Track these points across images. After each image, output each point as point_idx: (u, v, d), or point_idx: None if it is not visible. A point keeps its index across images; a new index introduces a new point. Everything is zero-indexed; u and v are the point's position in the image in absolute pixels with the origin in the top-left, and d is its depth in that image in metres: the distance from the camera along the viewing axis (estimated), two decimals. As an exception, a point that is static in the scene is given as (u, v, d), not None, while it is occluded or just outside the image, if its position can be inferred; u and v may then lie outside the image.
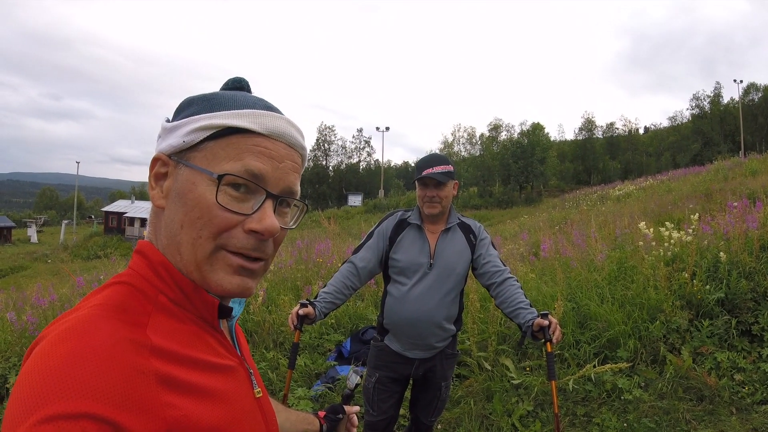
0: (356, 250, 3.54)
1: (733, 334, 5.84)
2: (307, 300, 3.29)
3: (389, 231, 3.48)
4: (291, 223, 1.04)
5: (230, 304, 1.04)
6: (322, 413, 1.64)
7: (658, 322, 5.89)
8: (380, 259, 3.47)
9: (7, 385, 5.57)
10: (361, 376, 1.96)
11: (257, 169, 0.93)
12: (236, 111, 0.95)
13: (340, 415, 1.65)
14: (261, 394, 1.05)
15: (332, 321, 6.92)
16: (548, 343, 3.03)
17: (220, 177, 0.91)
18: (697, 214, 8.45)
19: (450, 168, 3.38)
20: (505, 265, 3.44)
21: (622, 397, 5.16)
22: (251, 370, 1.06)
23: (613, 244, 8.78)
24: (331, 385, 5.57)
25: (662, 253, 7.14)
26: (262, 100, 1.01)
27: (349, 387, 1.93)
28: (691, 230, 7.72)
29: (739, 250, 6.73)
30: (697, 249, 6.85)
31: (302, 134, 1.03)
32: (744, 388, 5.28)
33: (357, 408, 1.74)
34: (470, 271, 3.53)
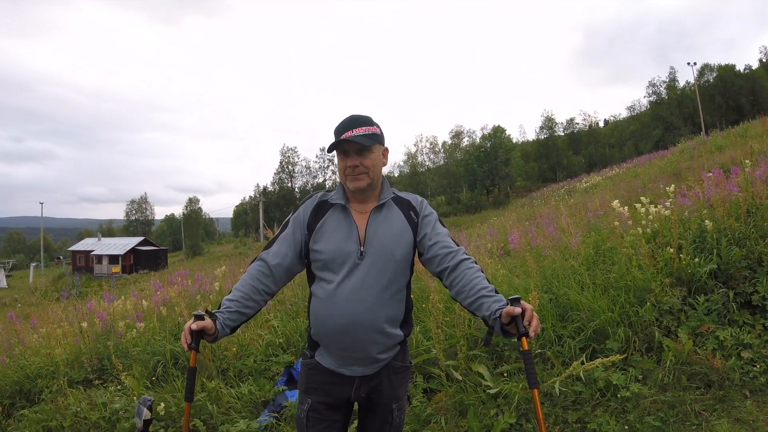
0: (268, 245, 2.79)
1: (732, 307, 5.25)
2: (205, 310, 2.54)
3: (307, 216, 2.75)
4: None
5: None
6: None
7: (648, 304, 5.24)
8: (299, 252, 2.74)
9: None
10: (150, 408, 1.24)
11: None
12: None
13: None
14: None
15: (281, 340, 6.27)
16: (524, 338, 2.32)
17: None
18: (672, 185, 7.91)
19: (376, 129, 2.68)
20: (458, 245, 2.71)
21: (619, 395, 4.48)
22: None
23: (586, 228, 8.21)
24: (277, 415, 4.91)
25: (641, 231, 6.55)
26: None
27: (137, 426, 1.22)
28: (668, 203, 7.14)
29: (724, 216, 6.22)
30: (679, 220, 6.28)
31: None
32: (755, 366, 4.69)
33: None
34: (416, 258, 2.81)
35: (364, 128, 2.63)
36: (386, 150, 2.79)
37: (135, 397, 5.37)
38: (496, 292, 2.50)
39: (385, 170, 2.89)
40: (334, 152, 2.73)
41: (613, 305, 5.31)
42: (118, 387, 5.77)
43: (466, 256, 2.64)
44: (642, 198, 7.52)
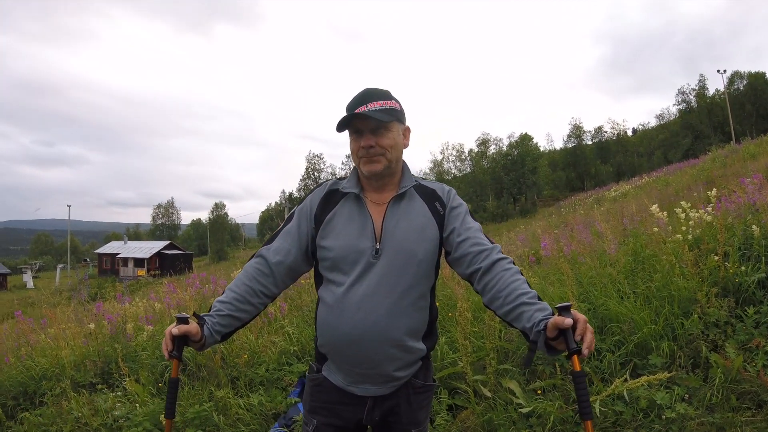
0: (269, 240, 2.41)
1: (782, 320, 4.77)
2: (194, 313, 2.18)
3: (315, 207, 2.36)
4: None
5: None
6: None
7: (694, 315, 4.79)
8: (304, 249, 2.35)
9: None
10: None
11: None
12: None
13: None
14: None
15: (296, 348, 5.89)
16: (575, 357, 1.85)
17: None
18: (714, 189, 7.48)
19: (394, 104, 2.29)
20: (492, 242, 2.28)
21: (663, 416, 4.02)
22: None
23: (622, 234, 7.80)
24: (287, 429, 4.56)
25: (682, 237, 6.10)
26: None
27: None
28: (709, 209, 6.72)
29: (771, 222, 5.76)
30: (724, 226, 5.81)
31: None
32: (810, 386, 4.19)
33: None
34: (442, 258, 2.40)
35: (380, 102, 2.23)
36: (407, 129, 2.39)
37: (138, 404, 5.07)
38: (539, 299, 2.06)
39: (412, 164, 2.49)
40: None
41: (656, 317, 4.86)
42: (121, 393, 5.48)
43: (502, 255, 2.21)
44: (682, 203, 7.07)
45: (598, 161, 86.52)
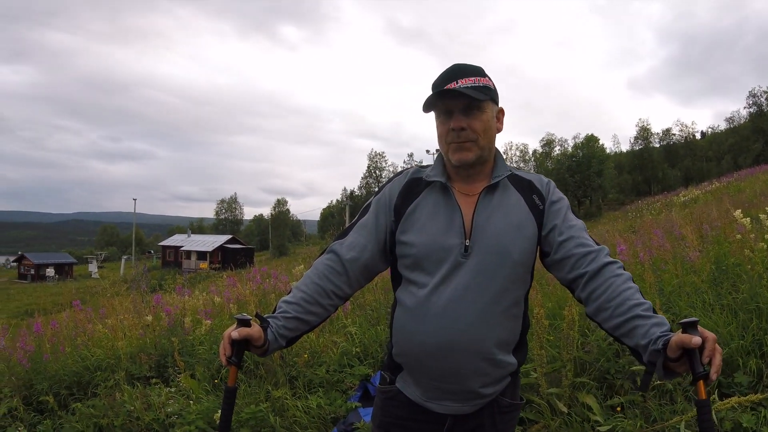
0: (342, 234, 2.15)
1: None
2: (255, 314, 1.93)
3: (394, 198, 2.09)
4: None
5: None
6: None
7: (786, 331, 4.39)
8: (382, 245, 2.09)
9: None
10: None
11: None
12: None
13: None
14: None
15: (358, 349, 5.65)
16: (700, 383, 1.54)
17: None
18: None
19: (488, 82, 2.00)
20: (598, 243, 1.99)
21: (750, 439, 3.67)
22: None
23: (701, 240, 7.36)
24: None
25: (767, 245, 5.60)
26: None
27: None
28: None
29: None
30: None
31: None
32: None
33: None
34: (538, 258, 2.09)
35: (472, 78, 1.94)
36: (501, 111, 2.09)
37: (192, 401, 4.94)
38: (655, 311, 1.76)
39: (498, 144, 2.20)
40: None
41: (743, 331, 4.47)
42: (174, 389, 5.37)
43: (611, 259, 1.92)
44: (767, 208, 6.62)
45: (665, 165, 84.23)
